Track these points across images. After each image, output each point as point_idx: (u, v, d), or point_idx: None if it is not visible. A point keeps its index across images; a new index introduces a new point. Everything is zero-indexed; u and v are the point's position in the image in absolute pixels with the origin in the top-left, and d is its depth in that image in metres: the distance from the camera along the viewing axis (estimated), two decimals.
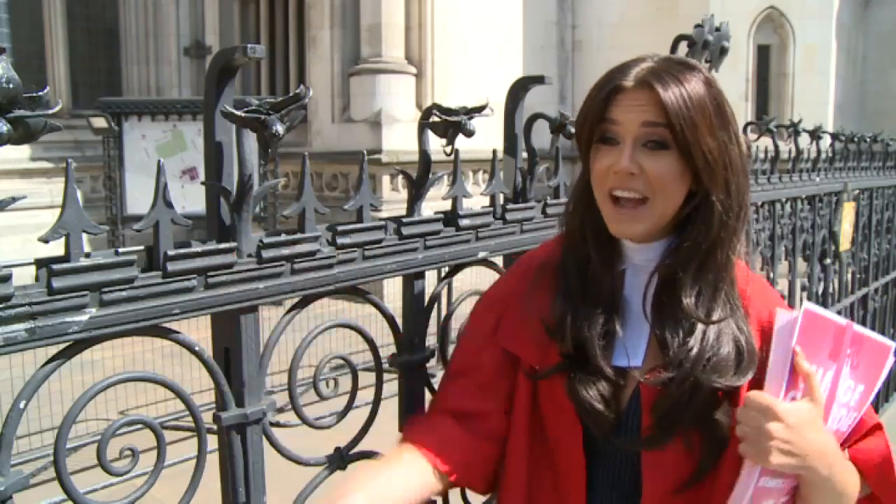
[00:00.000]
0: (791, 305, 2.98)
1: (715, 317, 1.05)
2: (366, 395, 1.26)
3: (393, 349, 1.33)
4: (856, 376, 1.01)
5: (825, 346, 0.96)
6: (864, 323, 3.96)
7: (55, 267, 0.86)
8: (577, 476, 1.13)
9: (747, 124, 2.68)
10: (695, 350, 1.03)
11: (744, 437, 0.97)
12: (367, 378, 1.24)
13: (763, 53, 10.47)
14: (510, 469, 1.19)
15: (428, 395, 1.37)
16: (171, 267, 0.96)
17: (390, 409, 1.33)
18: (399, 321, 1.33)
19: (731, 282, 1.09)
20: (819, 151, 3.12)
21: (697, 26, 1.90)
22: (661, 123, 1.02)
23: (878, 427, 1.09)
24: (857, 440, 1.09)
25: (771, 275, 2.76)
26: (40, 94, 0.79)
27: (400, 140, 8.79)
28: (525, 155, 1.56)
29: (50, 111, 0.79)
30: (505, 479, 1.22)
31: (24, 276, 0.86)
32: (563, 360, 1.10)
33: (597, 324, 1.08)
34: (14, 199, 0.81)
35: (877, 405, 4.22)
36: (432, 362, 1.37)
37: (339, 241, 1.16)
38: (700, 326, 1.05)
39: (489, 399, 1.17)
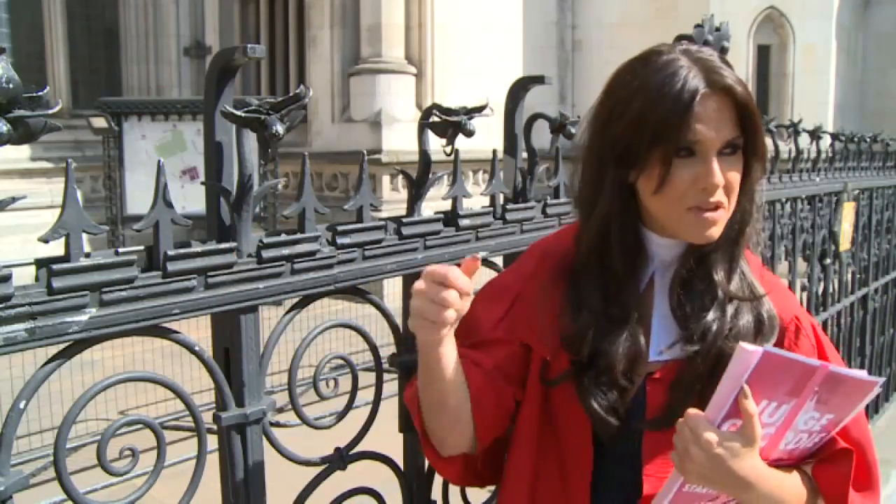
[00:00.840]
0: None
1: (734, 288, 1.08)
2: (366, 395, 1.26)
3: (393, 349, 1.33)
4: (823, 408, 0.99)
5: (785, 383, 0.95)
6: (863, 323, 3.96)
7: (55, 267, 0.86)
8: (583, 469, 1.13)
9: None
10: (716, 322, 1.06)
11: (675, 447, 0.99)
12: (367, 378, 1.24)
13: (763, 53, 10.47)
14: (515, 458, 1.20)
15: None
16: (171, 267, 0.96)
17: (390, 409, 1.33)
18: (399, 321, 1.33)
19: (743, 255, 1.12)
20: (819, 151, 3.12)
21: (697, 26, 1.90)
22: (737, 128, 1.02)
23: (850, 451, 1.06)
24: (825, 458, 1.08)
25: None
26: (40, 94, 0.79)
27: (400, 140, 8.79)
28: (525, 155, 1.56)
29: (50, 111, 0.79)
30: (509, 468, 1.22)
31: (24, 276, 0.86)
32: (575, 365, 1.10)
33: (619, 339, 1.07)
34: (14, 199, 0.81)
35: (876, 405, 4.21)
36: None
37: (339, 241, 1.16)
38: (719, 300, 1.07)
39: (499, 378, 1.17)
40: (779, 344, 1.10)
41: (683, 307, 1.09)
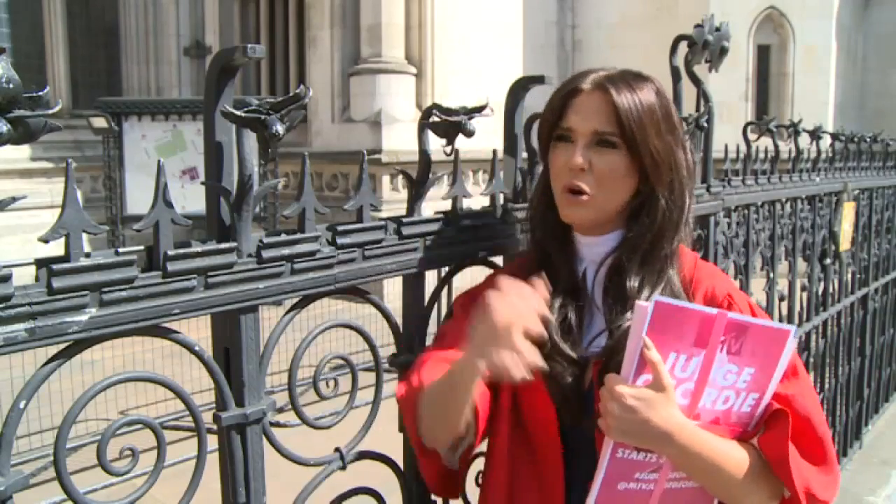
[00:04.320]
0: (790, 305, 2.98)
1: (646, 296, 1.12)
2: (366, 395, 1.26)
3: (393, 349, 1.33)
4: (739, 360, 1.03)
5: (688, 334, 1.01)
6: (863, 323, 3.96)
7: (55, 267, 0.86)
8: (555, 467, 1.16)
9: (747, 124, 2.68)
10: (627, 322, 1.10)
11: (600, 413, 1.04)
12: (367, 378, 1.24)
13: (763, 53, 10.47)
14: (493, 466, 1.22)
15: None
16: (171, 267, 0.96)
17: (390, 409, 1.33)
18: (399, 321, 1.33)
19: (675, 269, 1.18)
20: (819, 151, 3.12)
21: (697, 26, 1.90)
22: (613, 125, 1.12)
23: (784, 411, 1.06)
24: (767, 426, 1.09)
25: (771, 275, 2.76)
26: (40, 94, 0.79)
27: (400, 140, 8.79)
28: (525, 155, 1.56)
29: (50, 111, 0.79)
30: (488, 476, 1.25)
31: (24, 276, 0.86)
32: None
33: (553, 312, 1.14)
34: (14, 199, 0.81)
35: (877, 405, 4.21)
36: None
37: (339, 241, 1.16)
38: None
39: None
40: None
41: (609, 304, 1.16)
